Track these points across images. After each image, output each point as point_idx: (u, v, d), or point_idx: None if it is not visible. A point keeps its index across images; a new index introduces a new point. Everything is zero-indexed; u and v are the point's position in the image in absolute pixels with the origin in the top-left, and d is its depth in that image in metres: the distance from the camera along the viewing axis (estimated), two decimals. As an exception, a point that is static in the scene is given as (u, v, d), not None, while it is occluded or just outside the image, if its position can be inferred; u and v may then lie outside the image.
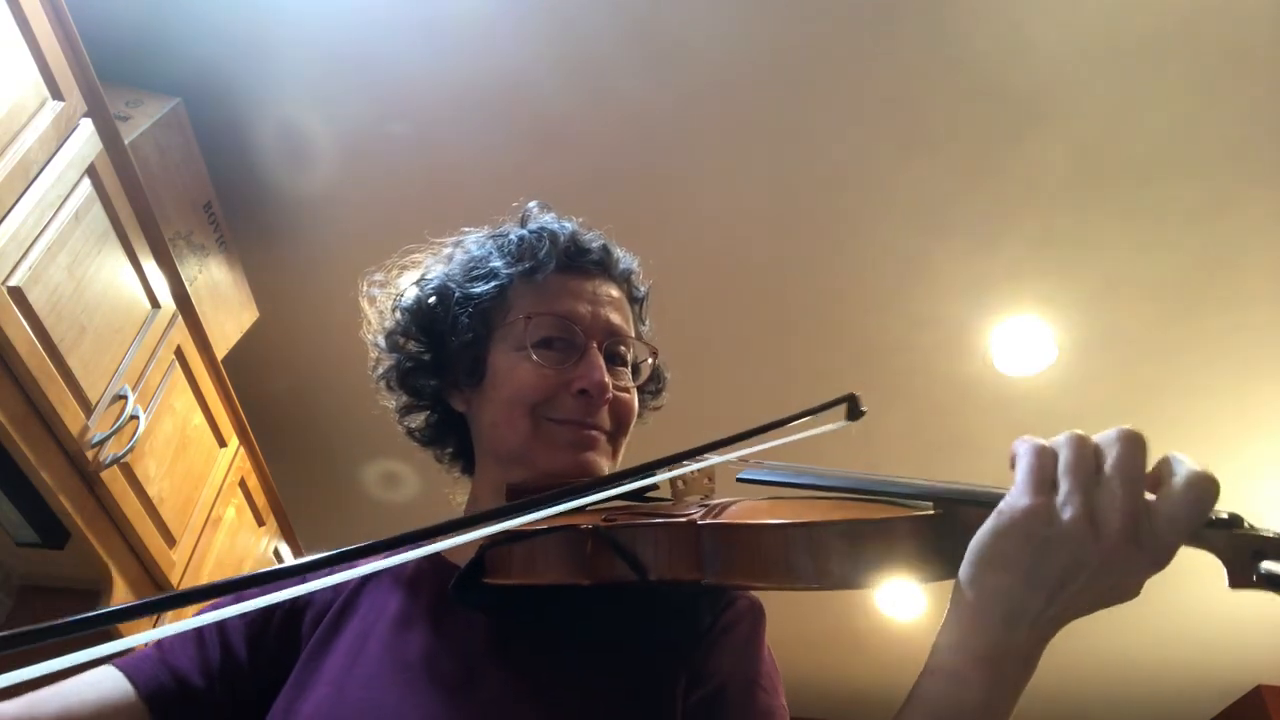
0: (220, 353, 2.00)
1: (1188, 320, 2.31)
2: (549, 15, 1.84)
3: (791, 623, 3.04)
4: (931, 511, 0.58)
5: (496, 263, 0.86)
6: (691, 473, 0.78)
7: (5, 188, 1.28)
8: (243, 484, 2.07)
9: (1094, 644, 3.21)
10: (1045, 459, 0.52)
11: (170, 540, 1.73)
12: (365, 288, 0.93)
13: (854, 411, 0.80)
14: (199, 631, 0.76)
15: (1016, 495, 0.51)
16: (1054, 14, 1.79)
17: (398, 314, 0.90)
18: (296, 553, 2.42)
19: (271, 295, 2.30)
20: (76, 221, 1.43)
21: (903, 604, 3.29)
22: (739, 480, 0.74)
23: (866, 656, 3.50)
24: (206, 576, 1.87)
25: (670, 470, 0.71)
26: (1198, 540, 0.49)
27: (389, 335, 0.90)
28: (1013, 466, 0.53)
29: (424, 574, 0.82)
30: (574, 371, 0.81)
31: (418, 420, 0.92)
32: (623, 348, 0.87)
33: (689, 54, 1.90)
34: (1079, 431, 0.52)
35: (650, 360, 0.92)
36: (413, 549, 0.50)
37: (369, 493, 2.90)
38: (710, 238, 2.25)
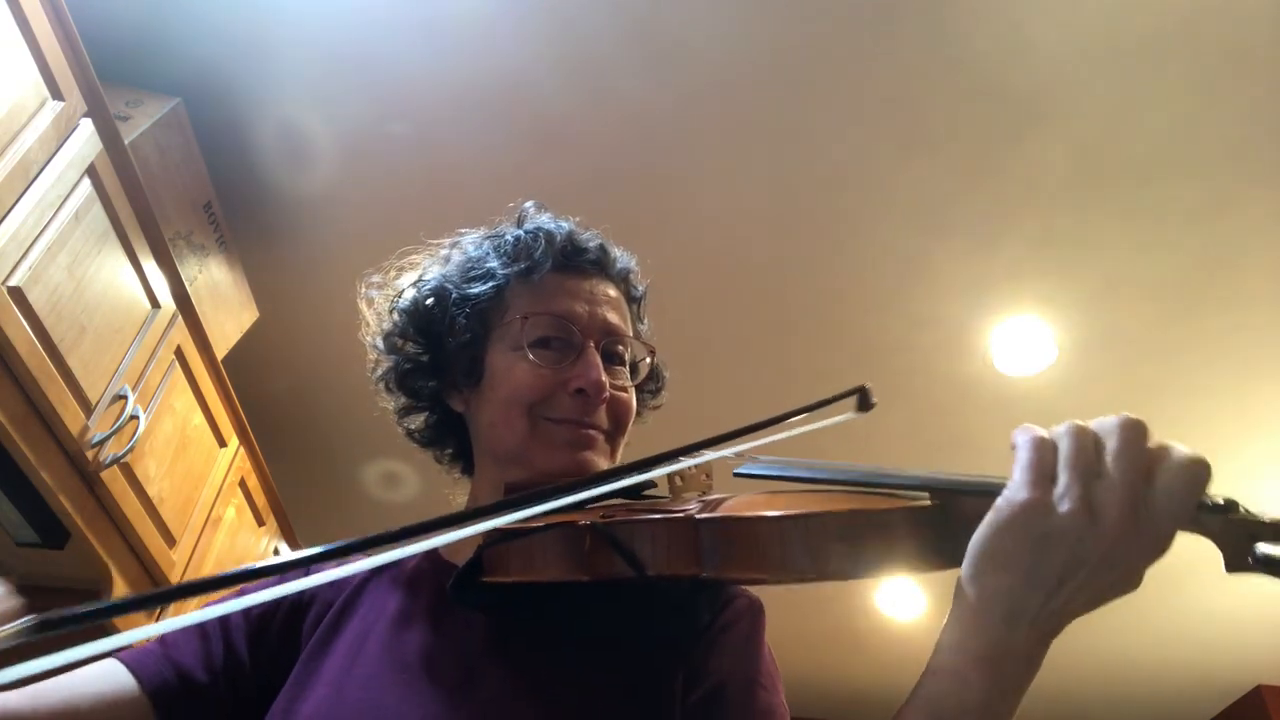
0: (220, 353, 2.00)
1: (1188, 320, 2.31)
2: (549, 15, 1.85)
3: (791, 622, 3.04)
4: (928, 502, 0.58)
5: (493, 263, 0.86)
6: (689, 469, 0.78)
7: (5, 188, 1.28)
8: (243, 484, 2.07)
9: (1094, 644, 3.21)
10: (1044, 452, 0.52)
11: (170, 540, 1.73)
12: (363, 289, 0.94)
13: (865, 403, 0.80)
14: (202, 627, 0.76)
15: (1015, 489, 0.52)
16: (1054, 14, 1.79)
17: (395, 315, 0.90)
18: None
19: (271, 295, 2.31)
20: (76, 221, 1.43)
21: (903, 604, 3.28)
22: (736, 475, 0.75)
23: (866, 656, 3.49)
24: (206, 576, 1.86)
25: (667, 466, 0.71)
26: (1194, 525, 0.50)
27: (387, 337, 0.90)
28: (1013, 456, 0.53)
29: (423, 574, 0.82)
30: (571, 371, 0.81)
31: (417, 421, 0.92)
32: (620, 347, 0.87)
33: (689, 54, 1.90)
34: (1078, 422, 0.52)
35: (648, 359, 0.92)
36: (412, 543, 0.50)
37: (369, 493, 2.90)
38: (710, 238, 2.25)
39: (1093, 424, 0.52)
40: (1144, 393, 2.42)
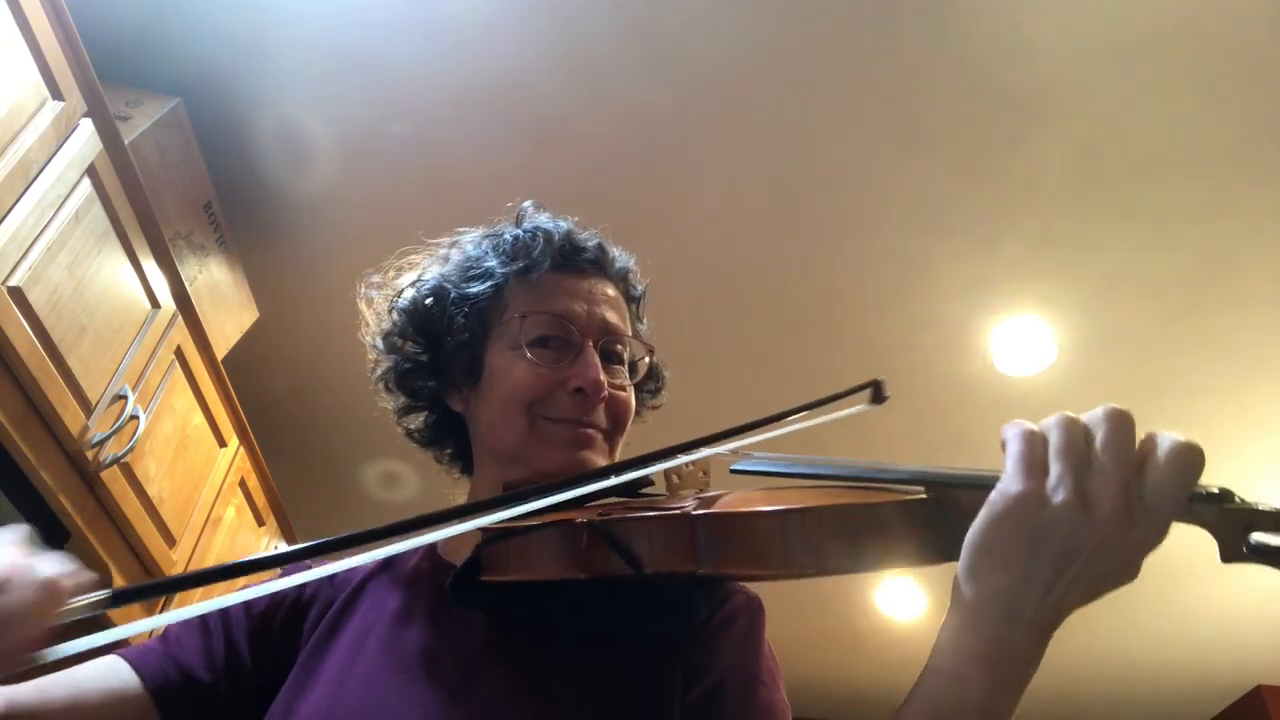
0: (220, 353, 2.00)
1: (1188, 320, 2.31)
2: (549, 15, 1.85)
3: (791, 622, 3.04)
4: (924, 495, 0.58)
5: (491, 262, 0.87)
6: (686, 466, 0.78)
7: (5, 188, 1.28)
8: (243, 484, 2.07)
9: (1094, 644, 3.21)
10: (1035, 444, 0.52)
11: (170, 540, 1.73)
12: (363, 289, 0.94)
13: (878, 396, 0.81)
14: (204, 624, 0.77)
15: (1008, 481, 0.52)
16: (1054, 14, 1.79)
17: (394, 315, 0.90)
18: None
19: (271, 295, 2.31)
20: (76, 221, 1.43)
21: (903, 604, 3.28)
22: (732, 472, 0.75)
23: (866, 656, 3.50)
24: (206, 576, 1.86)
25: (664, 463, 0.72)
26: (1189, 515, 0.50)
27: (386, 336, 0.90)
28: (1004, 451, 0.53)
29: (423, 574, 0.82)
30: (569, 370, 0.81)
31: (416, 421, 0.92)
32: (619, 346, 0.87)
33: (689, 54, 1.90)
34: (1068, 413, 0.52)
35: (647, 358, 0.92)
36: (410, 538, 0.51)
37: (369, 493, 2.90)
38: (710, 238, 2.25)
39: (1083, 416, 0.52)
40: (1144, 393, 2.42)
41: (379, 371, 0.92)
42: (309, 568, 0.49)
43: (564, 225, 0.89)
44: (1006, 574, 0.52)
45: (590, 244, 0.89)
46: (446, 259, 0.91)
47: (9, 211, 1.29)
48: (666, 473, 0.80)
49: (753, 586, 0.81)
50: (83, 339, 1.43)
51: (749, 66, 1.92)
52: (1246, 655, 3.32)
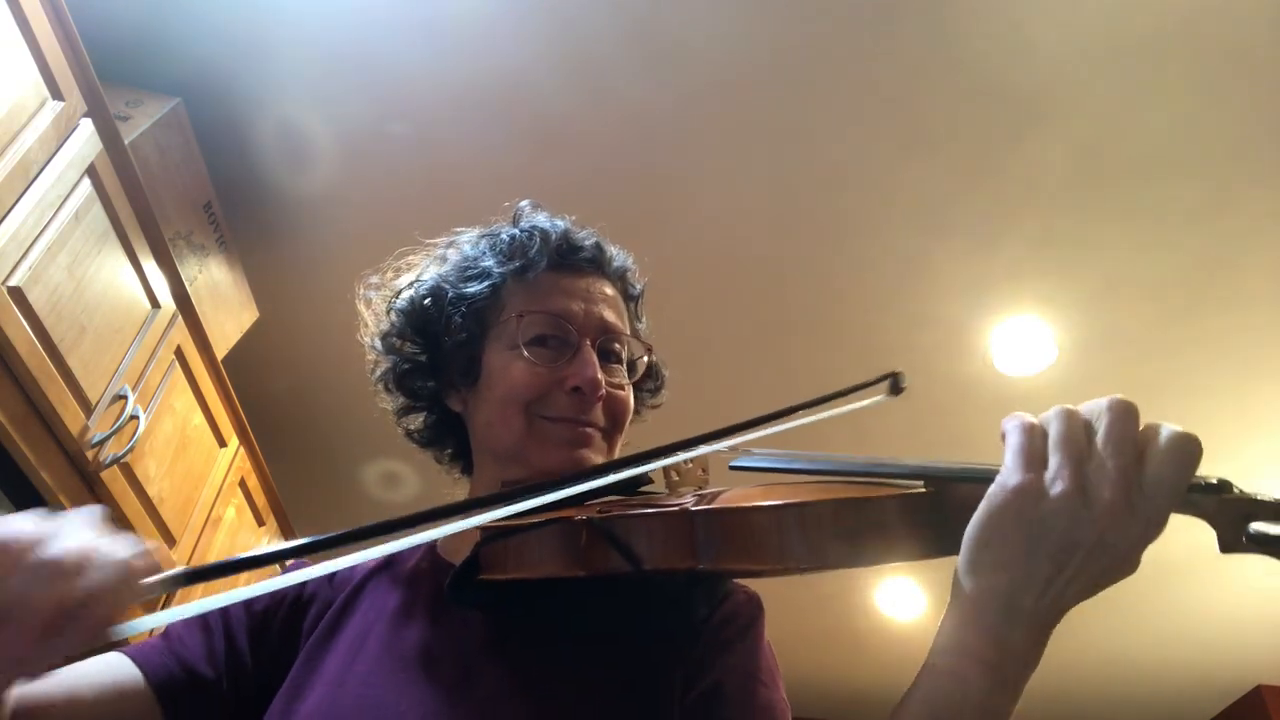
0: (220, 353, 2.00)
1: (1188, 320, 2.31)
2: (549, 15, 1.85)
3: (791, 622, 3.04)
4: (923, 489, 0.58)
5: (489, 262, 0.87)
6: (684, 464, 0.78)
7: (5, 188, 1.28)
8: (243, 484, 2.07)
9: (1094, 644, 3.21)
10: (1034, 436, 0.52)
11: (170, 540, 1.73)
12: (361, 290, 0.94)
13: (896, 387, 0.82)
14: (205, 622, 0.77)
15: (1007, 474, 0.51)
16: (1054, 14, 1.79)
17: (393, 316, 0.90)
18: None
19: (271, 295, 2.31)
20: (76, 221, 1.43)
21: (903, 604, 3.29)
22: (731, 468, 0.75)
23: (866, 656, 3.49)
24: (206, 576, 1.86)
25: (662, 460, 0.72)
26: (1188, 506, 0.50)
27: (385, 337, 0.90)
28: (1004, 444, 0.53)
29: (423, 573, 0.82)
30: (567, 369, 0.81)
31: (416, 421, 0.92)
32: (617, 345, 0.87)
33: (689, 54, 1.90)
34: (1068, 406, 0.52)
35: (646, 357, 0.92)
36: (413, 532, 0.51)
37: (369, 493, 2.90)
38: (710, 238, 2.24)
39: (1082, 407, 0.52)
40: (1144, 393, 2.40)
41: (378, 372, 0.92)
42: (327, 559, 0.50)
43: (561, 224, 0.89)
44: (1005, 562, 0.52)
45: (588, 243, 0.89)
46: (444, 259, 0.91)
47: (9, 211, 1.29)
48: (666, 470, 0.80)
49: (753, 585, 0.81)
50: (83, 339, 1.43)
51: (749, 66, 1.91)
52: (1246, 655, 3.32)
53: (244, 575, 0.50)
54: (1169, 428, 0.49)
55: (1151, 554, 0.51)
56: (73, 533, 0.44)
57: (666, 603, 0.75)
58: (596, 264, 0.89)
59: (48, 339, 1.35)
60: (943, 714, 0.54)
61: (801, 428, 0.73)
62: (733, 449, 0.75)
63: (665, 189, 2.15)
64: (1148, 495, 0.48)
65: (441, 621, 0.76)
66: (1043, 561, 0.50)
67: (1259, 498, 0.49)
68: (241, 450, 2.04)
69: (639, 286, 0.95)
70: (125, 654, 0.73)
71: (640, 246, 0.96)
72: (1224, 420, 2.51)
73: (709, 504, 0.61)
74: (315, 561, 0.51)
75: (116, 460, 1.49)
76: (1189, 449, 0.49)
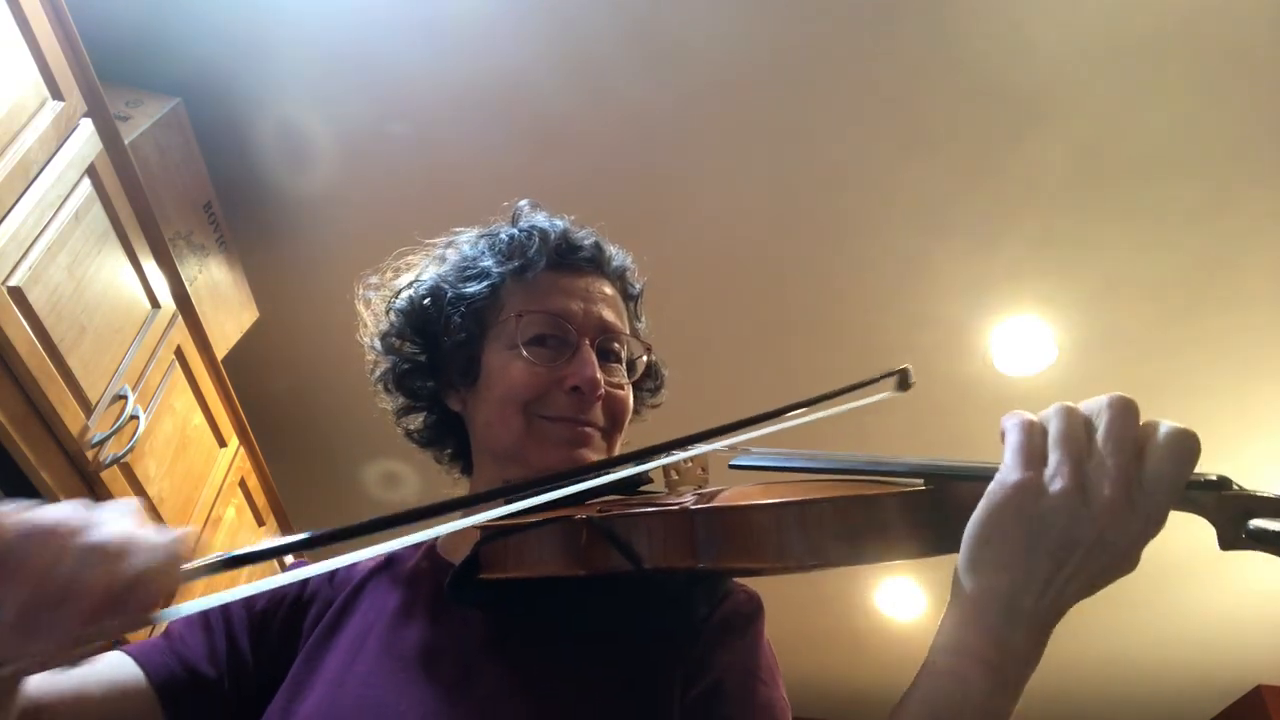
0: (220, 353, 2.00)
1: (1188, 320, 2.31)
2: (549, 15, 1.85)
3: (791, 622, 3.04)
4: (923, 487, 0.58)
5: (488, 262, 0.87)
6: (684, 463, 0.78)
7: (5, 188, 1.28)
8: (243, 484, 2.07)
9: (1094, 644, 3.21)
10: (1034, 433, 0.52)
11: (170, 540, 1.72)
12: (360, 291, 0.94)
13: (904, 383, 0.82)
14: (206, 622, 0.77)
15: (1006, 471, 0.51)
16: (1054, 14, 1.79)
17: (392, 316, 0.90)
18: (296, 554, 2.42)
19: (271, 295, 2.31)
20: (76, 221, 1.43)
21: (903, 604, 3.29)
22: (731, 467, 0.75)
23: (866, 656, 3.49)
24: (206, 576, 1.87)
25: (661, 459, 0.72)
26: (1187, 502, 0.50)
27: (384, 337, 0.90)
28: (1003, 442, 0.53)
29: (423, 573, 0.82)
30: (566, 369, 0.81)
31: (416, 421, 0.92)
32: (616, 344, 0.87)
33: (689, 54, 1.90)
34: (1067, 403, 0.52)
35: (645, 356, 0.92)
36: (415, 527, 0.51)
37: (369, 493, 2.90)
38: (710, 238, 2.24)
39: (1082, 405, 0.52)
40: (1144, 393, 2.38)
41: (378, 372, 0.92)
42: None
43: (560, 224, 0.89)
44: (1006, 566, 0.51)
45: (587, 242, 0.89)
46: (443, 259, 0.91)
47: (9, 211, 1.29)
48: (665, 470, 0.80)
49: (752, 584, 0.81)
50: (83, 339, 1.43)
51: (749, 66, 1.91)
52: (1246, 655, 3.32)
53: (245, 571, 0.50)
54: (1168, 425, 0.49)
55: (1152, 554, 0.51)
56: (115, 519, 0.45)
57: (666, 601, 0.75)
58: (595, 263, 0.89)
59: (48, 339, 1.35)
60: (943, 714, 0.54)
61: (802, 427, 0.73)
62: (731, 448, 0.75)
63: (665, 189, 2.15)
64: (1147, 492, 0.48)
65: (441, 621, 0.76)
66: (1042, 559, 0.50)
67: (1258, 494, 0.49)
68: (241, 450, 2.04)
69: (638, 286, 0.95)
70: (127, 653, 0.73)
71: (640, 246, 0.96)
72: (1224, 420, 2.51)
73: (709, 503, 0.61)
74: (345, 550, 0.51)
75: (116, 460, 1.49)
76: (1188, 445, 0.49)
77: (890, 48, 1.87)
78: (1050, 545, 0.50)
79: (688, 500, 0.64)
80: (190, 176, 1.93)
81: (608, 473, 0.63)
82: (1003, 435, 0.53)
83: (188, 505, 1.80)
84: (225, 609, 0.78)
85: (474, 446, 0.89)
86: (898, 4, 1.80)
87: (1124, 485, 0.48)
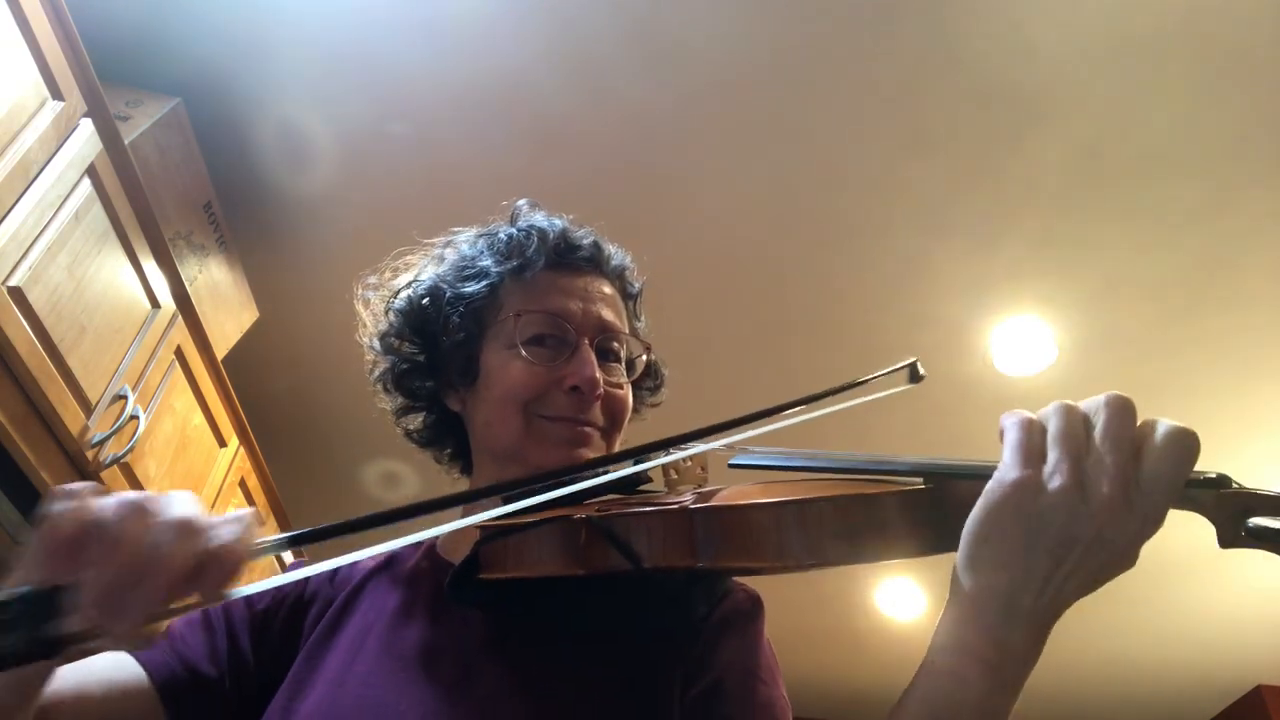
0: (220, 353, 2.00)
1: (1188, 320, 2.31)
2: (549, 15, 1.85)
3: (791, 621, 3.04)
4: (922, 486, 0.58)
5: (486, 261, 0.87)
6: (683, 462, 0.78)
7: (5, 188, 1.28)
8: (243, 484, 2.07)
9: (1094, 644, 3.20)
10: (1032, 431, 0.52)
11: (170, 540, 1.73)
12: (359, 291, 0.94)
13: (915, 375, 0.82)
14: (208, 619, 0.77)
15: (1005, 470, 0.51)
16: (1054, 14, 1.79)
17: (391, 316, 0.90)
18: (296, 554, 2.42)
19: (271, 295, 2.31)
20: (76, 221, 1.43)
21: (903, 604, 3.28)
22: (731, 466, 0.75)
23: (866, 656, 3.49)
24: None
25: (660, 459, 0.72)
26: (1186, 501, 0.50)
27: (383, 337, 0.90)
28: (1002, 440, 0.53)
29: (422, 572, 0.82)
30: (565, 368, 0.81)
31: (415, 421, 0.92)
32: (615, 344, 0.87)
33: (689, 54, 1.90)
34: (1066, 402, 0.52)
35: (644, 356, 0.91)
36: (417, 521, 0.52)
37: (369, 493, 2.90)
38: (710, 237, 2.24)
39: (1081, 404, 0.52)
40: (1144, 393, 2.39)
41: (377, 372, 0.92)
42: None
43: (559, 223, 0.89)
44: (1005, 564, 0.51)
45: (585, 241, 0.89)
46: (442, 259, 0.91)
47: (9, 211, 1.29)
48: (664, 469, 0.80)
49: (752, 583, 0.81)
50: (83, 339, 1.43)
51: (749, 66, 1.91)
52: (1246, 655, 3.32)
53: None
54: (1167, 423, 0.49)
55: (1151, 552, 0.51)
56: (181, 503, 0.47)
57: (666, 601, 0.75)
58: (594, 263, 0.89)
59: (48, 339, 1.35)
60: (942, 713, 0.54)
61: (801, 426, 0.73)
62: (730, 447, 0.75)
63: (665, 189, 2.15)
64: (1145, 491, 0.49)
65: (441, 620, 0.76)
66: (1041, 556, 0.50)
67: (1258, 492, 0.49)
68: (241, 450, 2.04)
69: (637, 285, 0.95)
70: (128, 653, 0.73)
71: (640, 246, 0.96)
72: (1224, 420, 2.51)
73: (708, 502, 0.61)
74: (378, 541, 0.53)
75: (116, 460, 1.49)
76: (1187, 444, 0.49)
77: (890, 48, 1.87)
78: (1049, 543, 0.50)
79: (687, 499, 0.64)
80: (190, 176, 1.93)
81: (606, 472, 0.63)
82: (1002, 434, 0.53)
83: (188, 505, 1.79)
84: (227, 608, 0.78)
85: (473, 446, 0.89)
86: (898, 4, 1.80)
87: (1122, 483, 0.48)
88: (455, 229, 0.95)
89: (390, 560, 0.84)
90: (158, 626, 0.44)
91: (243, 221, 2.17)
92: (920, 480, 0.60)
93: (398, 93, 1.98)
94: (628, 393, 0.87)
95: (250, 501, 2.12)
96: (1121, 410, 0.50)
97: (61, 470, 1.41)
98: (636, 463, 0.69)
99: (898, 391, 0.82)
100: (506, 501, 0.61)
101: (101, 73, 1.49)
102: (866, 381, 0.78)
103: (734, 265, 2.31)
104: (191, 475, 1.81)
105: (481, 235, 0.91)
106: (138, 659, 0.72)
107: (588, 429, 0.82)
